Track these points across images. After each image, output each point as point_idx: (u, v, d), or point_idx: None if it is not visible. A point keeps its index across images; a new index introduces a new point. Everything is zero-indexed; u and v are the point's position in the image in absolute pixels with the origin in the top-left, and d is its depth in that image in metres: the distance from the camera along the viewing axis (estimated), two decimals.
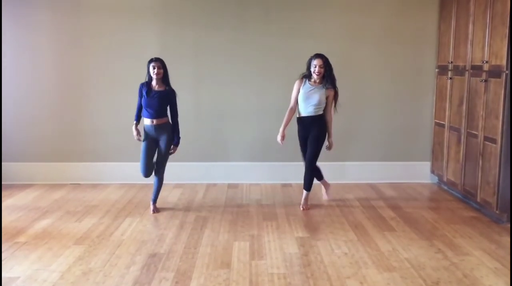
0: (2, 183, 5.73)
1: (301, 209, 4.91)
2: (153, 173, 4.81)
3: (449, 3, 5.44)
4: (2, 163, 5.77)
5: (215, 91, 5.83)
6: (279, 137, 4.87)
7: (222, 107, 5.85)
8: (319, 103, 4.73)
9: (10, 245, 3.94)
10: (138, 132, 4.75)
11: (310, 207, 4.96)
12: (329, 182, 5.30)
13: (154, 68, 4.61)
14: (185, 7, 5.70)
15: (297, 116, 4.89)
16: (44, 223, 4.48)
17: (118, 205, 5.05)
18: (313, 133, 4.78)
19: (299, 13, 5.72)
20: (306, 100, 4.75)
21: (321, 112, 4.78)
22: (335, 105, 4.84)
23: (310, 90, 4.74)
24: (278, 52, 5.77)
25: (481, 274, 3.46)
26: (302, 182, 4.98)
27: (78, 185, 5.80)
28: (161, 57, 4.71)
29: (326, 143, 4.92)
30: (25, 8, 5.62)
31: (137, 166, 5.78)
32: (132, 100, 5.73)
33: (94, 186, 5.75)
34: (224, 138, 5.92)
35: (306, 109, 4.78)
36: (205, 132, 5.83)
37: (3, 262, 3.61)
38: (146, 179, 5.72)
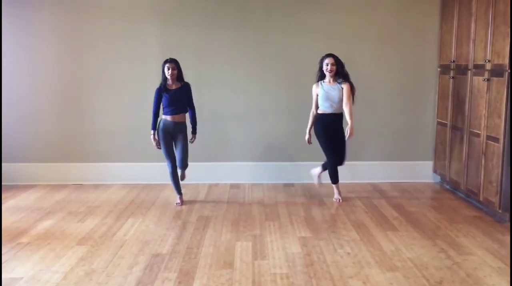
0: (5, 183, 5.75)
1: (338, 201, 5.13)
2: (180, 169, 5.06)
3: (451, 2, 5.43)
4: (5, 164, 5.78)
5: (217, 92, 5.83)
6: (306, 138, 5.15)
7: (224, 108, 5.85)
8: (339, 100, 4.93)
9: (12, 246, 3.94)
10: (158, 142, 4.94)
11: (313, 208, 4.97)
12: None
13: (168, 69, 4.84)
14: (186, 8, 5.70)
15: (320, 113, 5.03)
16: (46, 224, 4.48)
17: (120, 205, 5.06)
18: (340, 134, 5.01)
19: (301, 14, 5.71)
20: (328, 99, 4.95)
21: (342, 109, 4.97)
22: (352, 98, 4.99)
23: (329, 89, 4.95)
24: (280, 52, 5.76)
25: (484, 274, 3.45)
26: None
27: (80, 186, 5.81)
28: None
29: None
30: (26, 9, 5.63)
31: (139, 166, 5.84)
32: (133, 100, 5.77)
33: (97, 187, 5.75)
34: (226, 138, 5.92)
35: (330, 107, 4.96)
36: (207, 133, 5.83)
37: (6, 263, 3.62)
38: (148, 179, 5.79)
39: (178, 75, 4.89)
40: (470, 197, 5.11)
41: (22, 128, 5.81)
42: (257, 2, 5.70)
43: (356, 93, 4.97)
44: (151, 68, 5.66)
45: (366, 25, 5.75)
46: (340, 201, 5.15)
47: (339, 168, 5.14)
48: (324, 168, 5.21)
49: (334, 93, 4.92)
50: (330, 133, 5.00)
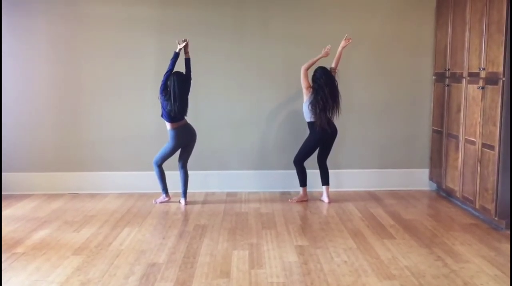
0: (1, 193, 5.72)
1: (328, 202, 5.38)
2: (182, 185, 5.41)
3: (445, 11, 5.47)
4: (1, 173, 5.75)
5: (213, 100, 5.83)
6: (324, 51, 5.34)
7: (220, 116, 5.85)
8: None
9: (8, 256, 3.92)
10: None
11: (309, 216, 4.98)
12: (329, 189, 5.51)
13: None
14: (183, 17, 5.71)
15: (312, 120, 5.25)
16: (42, 233, 4.46)
17: (116, 214, 5.03)
18: (329, 144, 5.39)
19: (297, 23, 5.74)
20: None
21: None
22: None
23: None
24: (275, 60, 5.78)
25: (481, 282, 3.45)
26: (300, 190, 5.23)
27: (76, 195, 5.78)
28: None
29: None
30: (22, 17, 5.63)
31: (136, 175, 5.83)
32: (130, 109, 5.79)
33: (92, 196, 5.73)
34: (222, 147, 5.91)
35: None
36: (203, 141, 5.80)
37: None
38: (144, 188, 5.77)
39: None
40: (466, 204, 5.11)
41: (18, 138, 5.79)
42: (254, 12, 5.73)
43: (342, 101, 5.29)
44: (148, 78, 5.67)
45: (361, 34, 5.77)
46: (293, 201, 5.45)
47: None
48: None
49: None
50: (321, 144, 5.33)
